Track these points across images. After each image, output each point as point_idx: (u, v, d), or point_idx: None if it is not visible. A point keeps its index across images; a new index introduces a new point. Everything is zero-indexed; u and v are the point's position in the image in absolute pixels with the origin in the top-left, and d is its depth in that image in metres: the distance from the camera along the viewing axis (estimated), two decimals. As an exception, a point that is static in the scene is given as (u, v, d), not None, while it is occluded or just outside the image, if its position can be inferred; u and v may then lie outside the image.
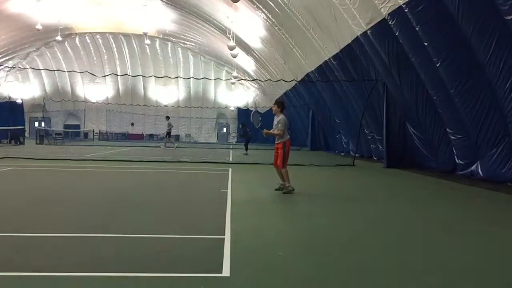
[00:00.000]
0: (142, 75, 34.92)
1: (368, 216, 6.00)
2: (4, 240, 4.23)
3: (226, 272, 3.36)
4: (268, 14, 19.06)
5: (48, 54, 39.34)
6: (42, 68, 33.50)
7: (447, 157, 11.72)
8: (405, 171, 12.69)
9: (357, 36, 13.05)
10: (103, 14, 31.91)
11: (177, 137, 41.46)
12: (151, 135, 40.77)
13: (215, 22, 26.00)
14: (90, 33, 37.94)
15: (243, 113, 40.29)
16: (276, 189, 7.90)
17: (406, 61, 11.24)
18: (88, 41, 39.07)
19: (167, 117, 23.64)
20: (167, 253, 3.88)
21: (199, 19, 27.59)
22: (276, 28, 19.66)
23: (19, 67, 35.80)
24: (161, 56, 39.76)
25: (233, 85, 40.15)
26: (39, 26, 27.38)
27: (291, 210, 6.50)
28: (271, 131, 8.00)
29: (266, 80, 26.89)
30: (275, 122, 8.01)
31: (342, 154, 21.30)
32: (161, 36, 36.81)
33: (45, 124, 34.55)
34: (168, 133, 23.36)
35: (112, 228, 4.82)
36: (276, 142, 8.01)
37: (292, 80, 21.89)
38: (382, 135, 14.49)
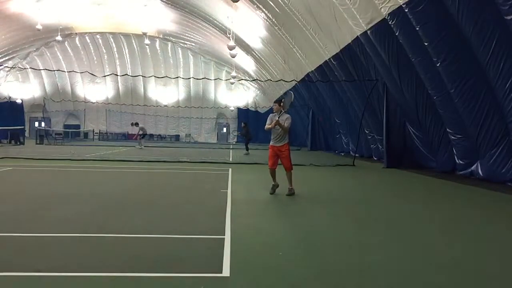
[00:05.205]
0: (142, 75, 34.91)
1: (368, 216, 6.00)
2: (4, 240, 4.23)
3: (226, 272, 3.37)
4: (268, 14, 19.06)
5: (48, 54, 39.33)
6: (42, 68, 33.49)
7: (447, 157, 11.73)
8: (405, 171, 12.69)
9: (357, 36, 13.05)
10: (103, 14, 31.90)
11: (177, 137, 41.57)
12: (151, 135, 40.76)
13: (215, 22, 25.99)
14: (90, 33, 37.91)
15: (243, 113, 40.34)
16: (271, 193, 7.60)
17: (406, 61, 11.24)
18: (88, 41, 39.06)
19: (137, 123, 24.90)
20: (167, 253, 3.87)
21: (199, 19, 27.58)
22: (276, 28, 19.65)
23: (19, 67, 35.78)
24: (161, 56, 39.75)
25: (233, 85, 40.16)
26: (39, 26, 27.37)
27: (291, 210, 6.50)
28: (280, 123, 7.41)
29: (266, 80, 26.89)
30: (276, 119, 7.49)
31: (342, 154, 21.31)
32: (161, 36, 36.80)
33: (45, 124, 34.57)
34: (143, 135, 24.44)
35: (112, 228, 4.82)
36: (278, 144, 7.56)
37: (292, 80, 21.89)
38: (382, 135, 14.49)
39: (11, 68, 36.63)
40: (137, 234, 4.52)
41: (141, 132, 23.92)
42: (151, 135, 40.59)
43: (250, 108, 40.83)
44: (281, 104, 7.62)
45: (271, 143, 7.74)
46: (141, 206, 6.23)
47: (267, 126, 7.62)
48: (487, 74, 8.82)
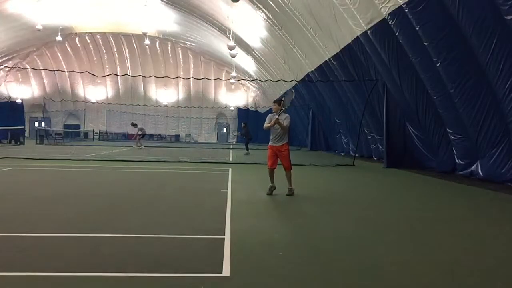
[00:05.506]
0: (142, 75, 34.90)
1: (368, 216, 5.99)
2: (4, 240, 4.23)
3: (226, 272, 3.36)
4: (268, 14, 19.06)
5: (48, 54, 39.35)
6: (42, 68, 33.49)
7: (447, 157, 11.73)
8: (405, 171, 12.69)
9: (357, 36, 13.05)
10: (103, 14, 31.92)
11: (177, 137, 41.60)
12: (151, 135, 40.76)
13: (215, 22, 26.00)
14: (90, 33, 37.94)
15: (243, 113, 40.36)
16: (268, 194, 7.51)
17: (406, 61, 11.24)
18: (88, 41, 39.09)
19: (135, 124, 24.87)
20: (167, 253, 3.87)
21: (199, 19, 27.59)
22: (276, 28, 19.66)
23: (19, 67, 35.79)
24: (161, 56, 39.78)
25: (233, 85, 40.18)
26: (39, 26, 27.38)
27: (291, 210, 6.50)
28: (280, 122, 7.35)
29: (266, 80, 26.89)
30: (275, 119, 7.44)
31: (342, 154, 21.31)
32: (161, 36, 36.82)
33: (45, 124, 34.58)
34: (143, 135, 24.65)
35: (112, 228, 4.82)
36: (278, 144, 7.52)
37: (292, 80, 21.88)
38: (382, 135, 14.49)
39: (11, 68, 36.64)
40: (137, 234, 4.52)
41: (140, 133, 24.04)
42: (151, 135, 40.61)
43: (250, 108, 40.85)
44: (281, 104, 7.60)
45: (270, 143, 7.69)
46: (141, 206, 6.23)
47: (266, 125, 7.58)
48: (487, 74, 8.82)
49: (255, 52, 26.91)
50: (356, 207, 6.74)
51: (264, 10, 18.94)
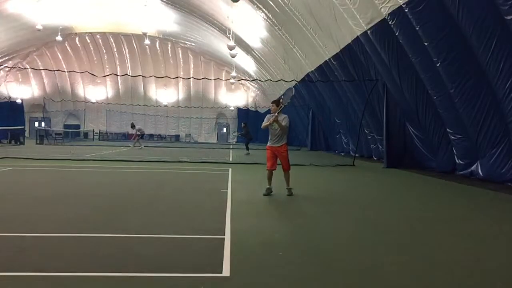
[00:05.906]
0: (142, 75, 34.89)
1: (368, 216, 5.99)
2: (4, 240, 4.23)
3: (226, 272, 3.36)
4: (268, 14, 19.06)
5: (48, 54, 39.35)
6: (42, 68, 33.49)
7: (447, 157, 11.73)
8: (405, 171, 12.69)
9: (357, 36, 13.05)
10: (103, 14, 31.92)
11: (177, 137, 41.62)
12: (151, 135, 40.78)
13: (215, 22, 26.00)
14: (90, 33, 37.94)
15: (243, 113, 40.37)
16: (264, 194, 7.41)
17: (406, 61, 11.24)
18: (88, 41, 39.08)
19: (133, 125, 24.92)
20: (167, 253, 3.87)
21: (199, 19, 27.59)
22: (276, 28, 19.66)
23: (19, 67, 35.79)
24: (161, 56, 39.77)
25: (233, 85, 40.18)
26: (39, 26, 27.38)
27: (291, 210, 6.50)
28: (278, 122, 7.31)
29: (266, 80, 26.88)
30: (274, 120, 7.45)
31: (342, 154, 21.31)
32: (161, 36, 36.81)
33: (45, 124, 34.58)
34: (141, 135, 24.82)
35: (112, 228, 4.82)
36: (277, 144, 7.50)
37: (292, 80, 21.87)
38: (382, 135, 14.49)
39: (11, 68, 36.63)
40: (137, 234, 4.52)
41: (138, 133, 24.11)
42: (151, 135, 40.61)
43: (250, 108, 40.86)
44: (279, 103, 7.56)
45: (269, 143, 7.66)
46: (141, 206, 6.23)
47: (264, 124, 7.56)
48: (487, 74, 8.82)
49: (255, 52, 26.90)
50: (356, 207, 6.74)
51: (264, 10, 18.94)
